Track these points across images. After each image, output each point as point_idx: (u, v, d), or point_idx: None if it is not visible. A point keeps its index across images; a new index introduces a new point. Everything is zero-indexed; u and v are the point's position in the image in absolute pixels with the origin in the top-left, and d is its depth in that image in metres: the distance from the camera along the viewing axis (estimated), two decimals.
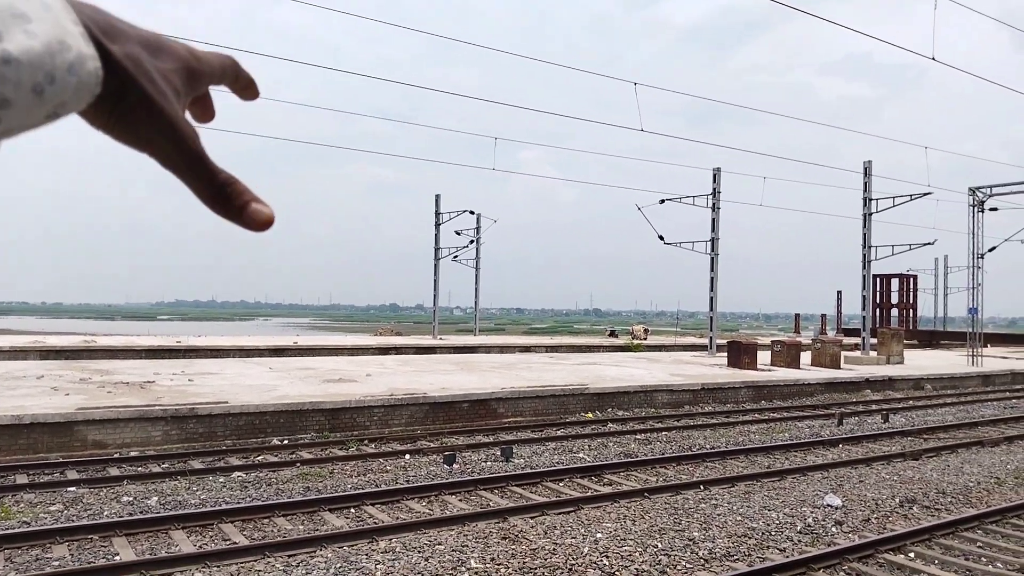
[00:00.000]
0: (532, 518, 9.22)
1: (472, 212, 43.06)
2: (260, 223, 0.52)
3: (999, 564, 8.08)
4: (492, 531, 8.67)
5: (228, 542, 8.15)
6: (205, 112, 0.60)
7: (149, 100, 0.49)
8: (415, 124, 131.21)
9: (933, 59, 21.81)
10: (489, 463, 12.39)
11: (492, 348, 36.35)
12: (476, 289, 47.16)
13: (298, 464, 11.89)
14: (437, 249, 41.55)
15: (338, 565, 7.46)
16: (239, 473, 11.30)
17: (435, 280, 41.62)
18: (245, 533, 8.50)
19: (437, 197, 41.98)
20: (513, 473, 11.27)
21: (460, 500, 10.08)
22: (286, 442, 13.57)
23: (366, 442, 13.89)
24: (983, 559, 8.24)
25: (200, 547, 7.94)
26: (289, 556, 7.71)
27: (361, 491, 10.10)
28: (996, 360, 34.86)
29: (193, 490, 10.32)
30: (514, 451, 12.93)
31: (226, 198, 0.52)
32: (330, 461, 12.19)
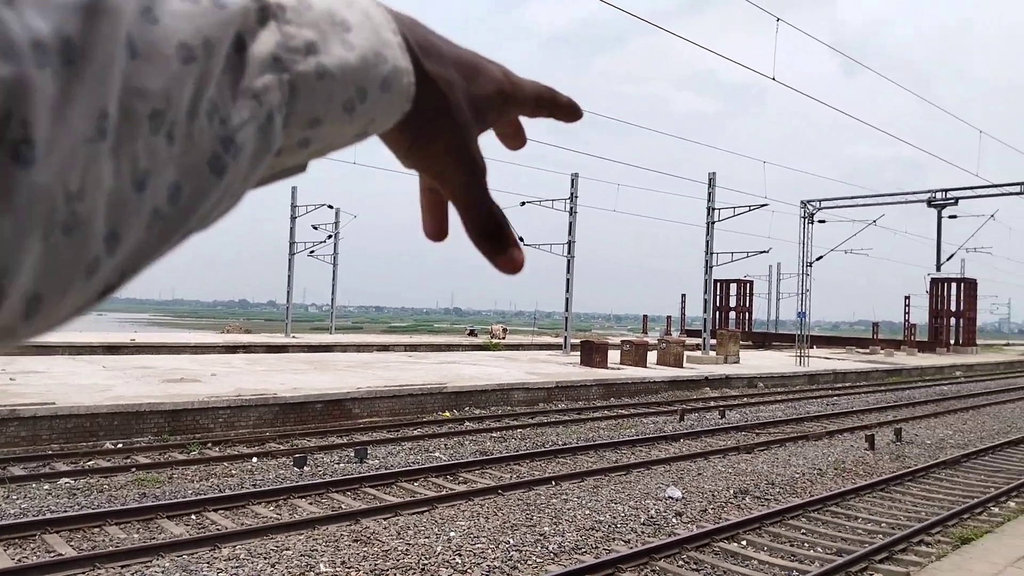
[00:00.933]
0: (385, 519, 9.12)
1: (331, 207, 42.06)
2: (515, 268, 0.49)
3: (819, 548, 8.81)
4: (343, 534, 8.50)
5: (52, 554, 7.53)
6: (516, 138, 0.55)
7: (455, 128, 0.43)
8: None
9: (773, 79, 23.48)
10: (342, 464, 12.14)
11: (349, 347, 35.61)
12: (333, 286, 46.13)
13: (134, 469, 11.17)
14: (292, 243, 40.19)
15: (177, 575, 7.07)
16: (67, 479, 10.46)
17: (289, 275, 40.23)
18: (72, 544, 7.87)
19: (293, 189, 40.65)
20: (367, 474, 11.09)
21: (310, 503, 9.81)
22: (120, 446, 12.70)
23: (210, 445, 13.23)
24: (806, 544, 8.95)
25: (19, 560, 7.29)
26: (122, 567, 7.22)
27: (203, 496, 9.62)
28: (821, 360, 37.95)
29: (13, 499, 9.46)
30: (369, 452, 12.74)
31: (497, 239, 0.48)
32: (169, 466, 11.53)
